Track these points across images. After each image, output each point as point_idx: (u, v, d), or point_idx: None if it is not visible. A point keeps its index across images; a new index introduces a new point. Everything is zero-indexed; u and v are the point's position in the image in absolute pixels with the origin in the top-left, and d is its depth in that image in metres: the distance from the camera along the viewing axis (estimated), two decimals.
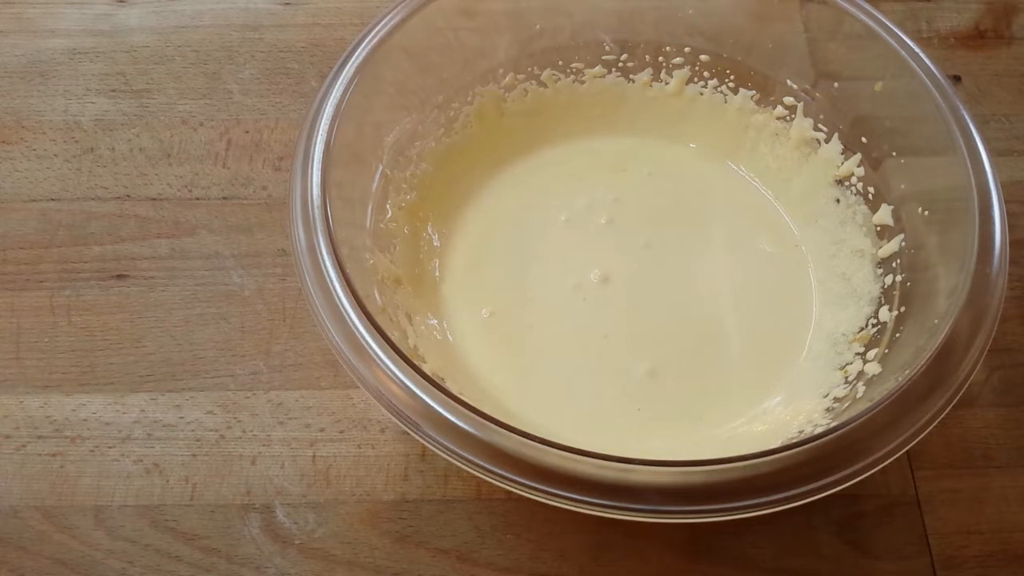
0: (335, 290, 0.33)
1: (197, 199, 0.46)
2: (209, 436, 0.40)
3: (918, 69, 0.38)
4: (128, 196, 0.46)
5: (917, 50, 0.39)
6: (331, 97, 0.37)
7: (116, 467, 0.39)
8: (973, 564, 0.37)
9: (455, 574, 0.36)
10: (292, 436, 0.40)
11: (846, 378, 0.37)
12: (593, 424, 0.38)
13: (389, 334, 0.32)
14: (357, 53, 0.38)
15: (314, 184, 0.35)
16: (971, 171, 0.35)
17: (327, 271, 0.33)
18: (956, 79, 0.51)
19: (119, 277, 0.44)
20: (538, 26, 0.45)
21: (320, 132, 0.36)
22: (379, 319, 0.33)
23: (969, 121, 0.37)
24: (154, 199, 0.46)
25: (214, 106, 0.50)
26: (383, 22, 0.39)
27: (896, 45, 0.39)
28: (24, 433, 0.40)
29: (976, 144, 0.36)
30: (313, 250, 0.34)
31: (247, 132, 0.49)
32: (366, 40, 0.39)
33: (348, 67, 0.38)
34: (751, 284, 0.42)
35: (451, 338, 0.41)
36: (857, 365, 0.37)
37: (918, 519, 0.38)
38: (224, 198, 0.46)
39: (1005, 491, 0.39)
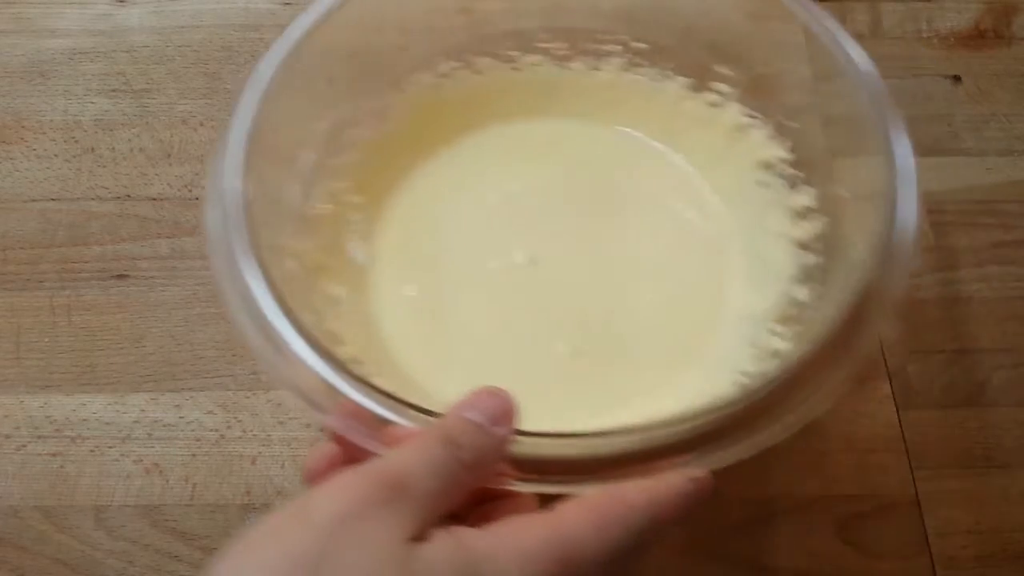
0: (243, 274, 0.32)
1: (197, 199, 0.46)
2: (209, 436, 0.40)
3: (843, 54, 0.38)
4: (128, 196, 0.46)
5: (841, 36, 0.39)
6: (258, 83, 0.36)
7: (116, 467, 0.39)
8: (973, 564, 0.37)
9: None
10: (292, 436, 0.40)
11: (761, 356, 0.38)
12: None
13: (303, 317, 0.32)
14: (286, 40, 0.38)
15: (233, 168, 0.34)
16: (890, 153, 0.35)
17: (236, 254, 0.32)
18: (956, 79, 0.51)
19: (119, 277, 0.44)
20: (474, 14, 0.44)
21: (244, 117, 0.35)
22: (293, 302, 0.32)
23: (889, 104, 0.37)
24: (154, 199, 0.46)
25: (214, 106, 0.50)
26: (312, 11, 0.39)
27: (819, 30, 0.39)
28: (24, 433, 0.40)
29: (896, 125, 0.36)
30: (225, 233, 0.33)
31: None
32: (295, 28, 0.38)
33: (276, 54, 0.37)
34: (675, 266, 0.43)
35: (375, 321, 0.41)
36: (772, 343, 0.38)
37: (918, 519, 0.38)
38: None
39: (1005, 491, 0.39)
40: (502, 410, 0.27)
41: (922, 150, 0.48)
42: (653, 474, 0.27)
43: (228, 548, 0.22)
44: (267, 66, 0.37)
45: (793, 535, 0.37)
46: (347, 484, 0.23)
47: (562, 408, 0.38)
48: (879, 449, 0.39)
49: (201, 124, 0.49)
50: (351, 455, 0.29)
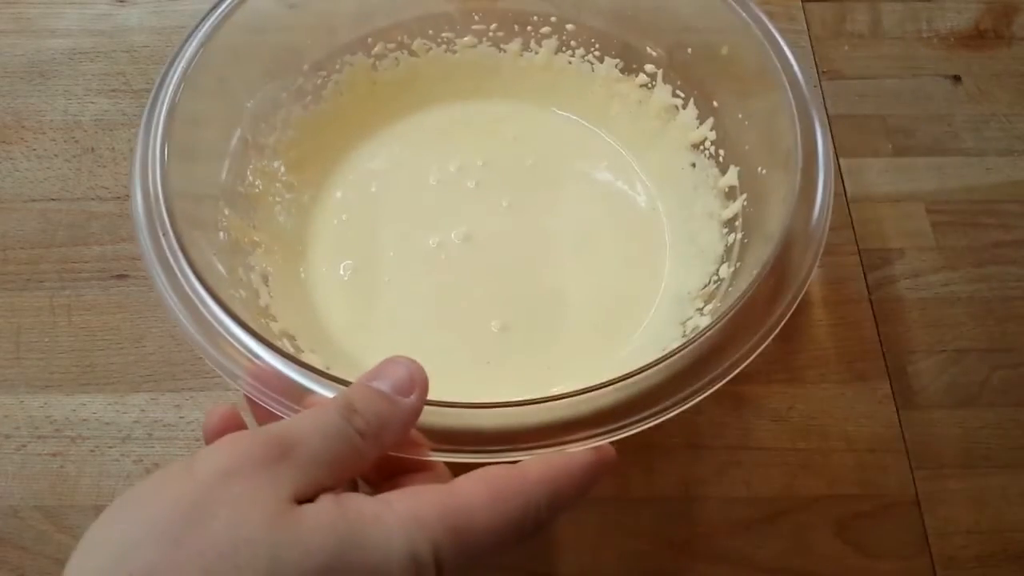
0: (173, 255, 0.32)
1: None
2: None
3: (757, 31, 0.38)
4: (128, 196, 0.46)
5: (758, 12, 0.39)
6: (179, 63, 0.36)
7: (116, 467, 0.39)
8: (973, 564, 0.37)
9: None
10: None
11: (688, 334, 0.38)
12: (441, 376, 0.38)
13: (235, 293, 0.32)
14: (210, 18, 0.38)
15: (155, 147, 0.34)
16: (798, 127, 0.35)
17: (163, 228, 0.32)
18: (956, 79, 0.51)
19: (119, 277, 0.44)
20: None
21: (165, 99, 0.35)
22: (224, 281, 0.33)
23: (803, 82, 0.36)
24: None
25: (216, 107, 0.49)
26: None
27: (737, 7, 0.39)
28: (24, 433, 0.40)
29: (807, 102, 0.36)
30: (150, 211, 0.33)
31: None
32: (222, 5, 0.38)
33: (199, 32, 0.37)
34: (608, 245, 0.43)
35: (310, 297, 0.41)
36: (695, 319, 0.38)
37: (918, 519, 0.38)
38: None
39: (1005, 491, 0.39)
40: (409, 379, 0.27)
41: (922, 150, 0.48)
42: (564, 445, 0.27)
43: (117, 499, 0.23)
44: (189, 44, 0.37)
45: (793, 535, 0.37)
46: (235, 442, 0.23)
47: (493, 384, 0.39)
48: (879, 449, 0.39)
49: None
50: (265, 420, 0.28)
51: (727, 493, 0.38)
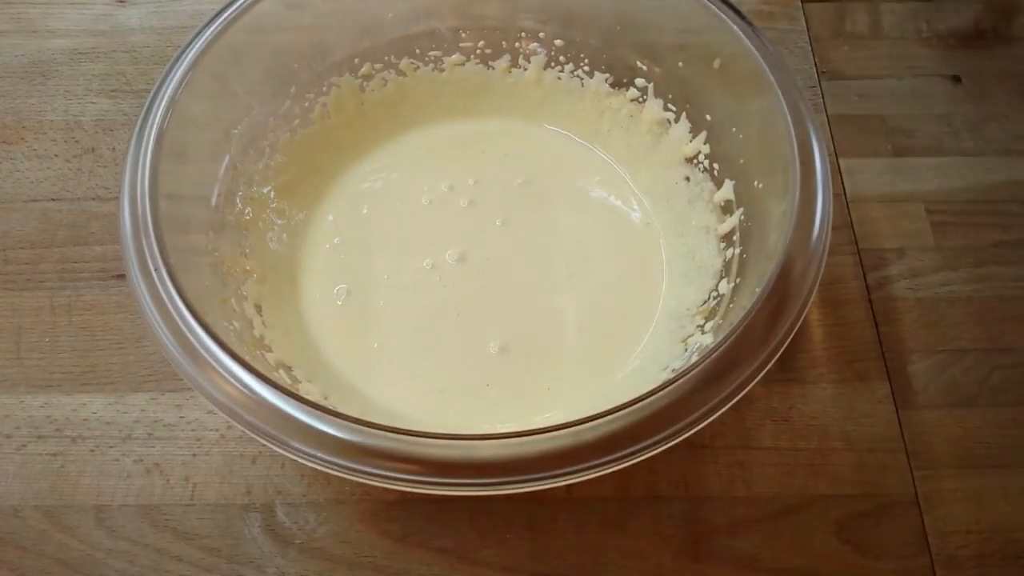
0: (163, 286, 0.32)
1: (199, 199, 0.46)
2: (210, 436, 0.40)
3: (749, 43, 0.38)
4: None
5: (748, 24, 0.38)
6: (165, 91, 0.36)
7: (117, 467, 0.39)
8: (972, 564, 0.37)
9: (455, 574, 0.37)
10: None
11: (685, 349, 0.38)
12: (441, 401, 0.38)
13: (228, 325, 0.32)
14: (194, 45, 0.38)
15: (144, 179, 0.34)
16: (794, 141, 0.35)
17: (154, 263, 0.32)
18: (956, 79, 0.51)
19: (119, 277, 0.44)
20: (390, 15, 0.45)
21: (152, 127, 0.35)
22: (216, 312, 0.32)
23: (799, 93, 0.36)
24: None
25: (217, 107, 0.49)
26: (222, 15, 0.39)
27: (728, 20, 0.39)
28: (25, 433, 0.40)
29: (803, 114, 0.36)
30: (140, 246, 0.33)
31: None
32: (205, 32, 0.38)
33: (184, 60, 0.37)
34: (603, 262, 0.43)
35: (305, 324, 0.41)
36: (696, 336, 0.38)
37: (917, 519, 0.38)
38: None
39: (1005, 491, 0.39)
40: None
41: (922, 150, 0.48)
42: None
43: None
44: (176, 71, 0.37)
45: (793, 535, 0.37)
46: None
47: (494, 407, 0.39)
48: (879, 449, 0.39)
49: (207, 125, 0.49)
50: None
51: (727, 493, 0.38)
